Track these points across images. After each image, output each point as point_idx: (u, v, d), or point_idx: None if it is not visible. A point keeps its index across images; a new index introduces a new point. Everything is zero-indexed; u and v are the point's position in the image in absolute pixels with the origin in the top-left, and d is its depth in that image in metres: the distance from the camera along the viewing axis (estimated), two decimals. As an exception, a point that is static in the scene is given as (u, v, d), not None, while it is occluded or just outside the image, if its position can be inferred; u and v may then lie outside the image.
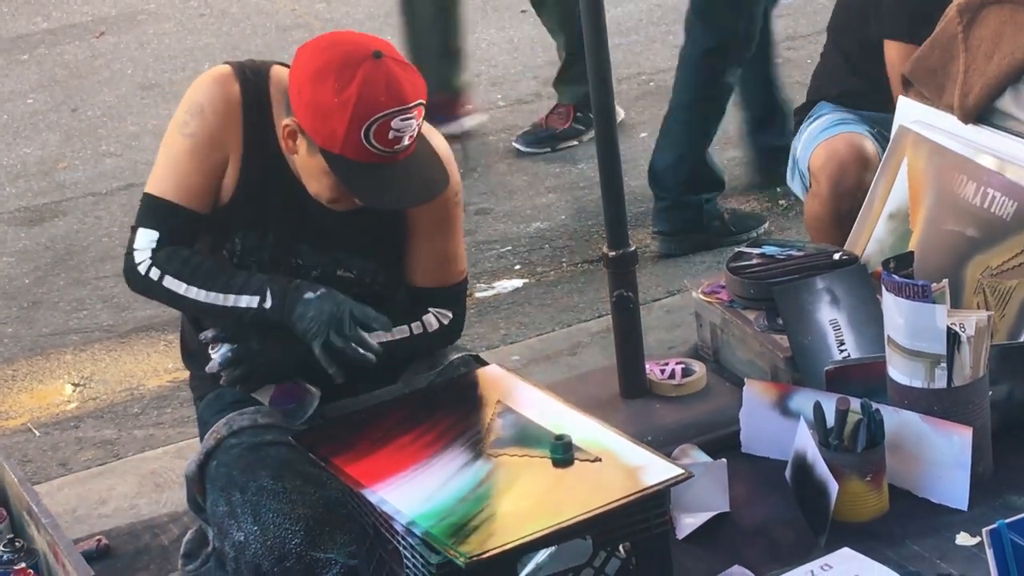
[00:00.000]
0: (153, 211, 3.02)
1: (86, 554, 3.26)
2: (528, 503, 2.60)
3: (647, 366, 3.60)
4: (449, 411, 2.91)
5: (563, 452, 2.67)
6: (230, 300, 2.97)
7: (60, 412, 4.54)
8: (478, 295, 5.04)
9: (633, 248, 3.50)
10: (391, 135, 2.85)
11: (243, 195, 3.04)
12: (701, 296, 3.73)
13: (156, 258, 2.99)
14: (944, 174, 3.64)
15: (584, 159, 5.99)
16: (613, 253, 3.49)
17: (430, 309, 3.15)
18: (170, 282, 2.99)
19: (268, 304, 2.95)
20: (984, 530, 2.37)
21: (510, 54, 7.38)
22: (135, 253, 3.01)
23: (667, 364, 3.62)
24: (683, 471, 2.62)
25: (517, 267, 5.23)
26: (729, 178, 5.77)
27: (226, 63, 3.07)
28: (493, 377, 3.03)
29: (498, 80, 7.07)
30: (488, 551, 2.47)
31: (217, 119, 3.00)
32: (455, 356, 3.20)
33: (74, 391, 4.67)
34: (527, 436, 2.77)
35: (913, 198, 3.72)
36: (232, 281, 2.98)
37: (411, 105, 2.86)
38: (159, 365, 4.73)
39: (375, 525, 2.73)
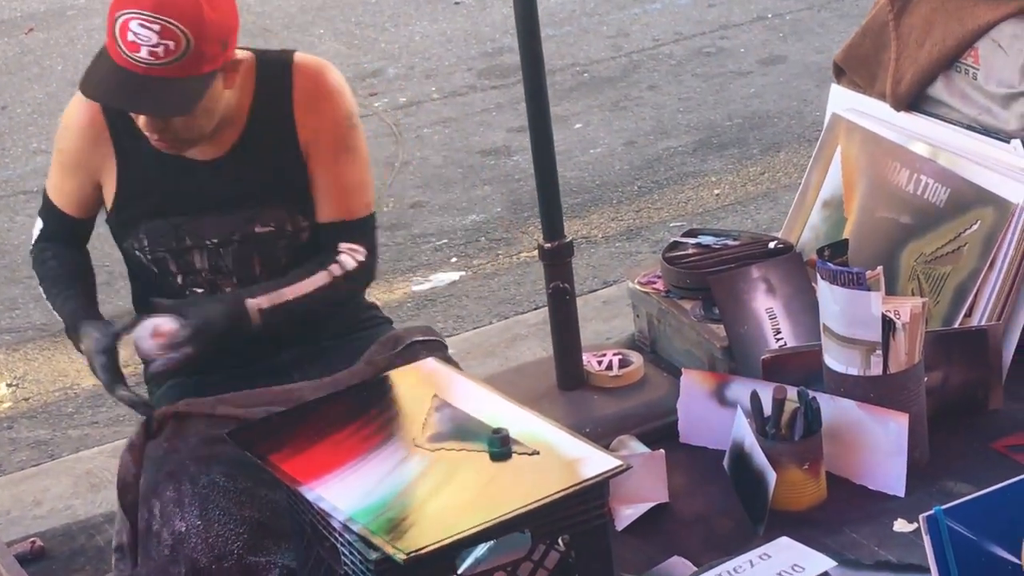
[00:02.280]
0: (44, 204, 3.25)
1: (20, 557, 3.22)
2: (466, 497, 2.59)
3: (584, 357, 3.59)
4: (385, 406, 2.90)
5: (500, 445, 2.66)
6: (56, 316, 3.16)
7: (-7, 413, 4.50)
8: (414, 288, 5.03)
9: (569, 239, 3.49)
10: (129, 36, 2.87)
11: (126, 192, 3.12)
12: (637, 286, 3.72)
13: (34, 252, 3.24)
14: (877, 161, 3.66)
15: (519, 151, 5.99)
16: (548, 245, 3.48)
17: (340, 247, 3.12)
18: (39, 281, 3.22)
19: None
20: (921, 516, 2.37)
21: (443, 46, 7.37)
22: (33, 239, 3.26)
23: (604, 355, 3.62)
24: (621, 463, 2.61)
25: (453, 260, 5.22)
26: (665, 167, 5.80)
27: None
28: (428, 371, 3.01)
29: (432, 72, 7.06)
30: (426, 547, 2.46)
31: (80, 139, 3.13)
32: (419, 338, 3.18)
33: (7, 391, 4.62)
34: (464, 430, 2.75)
35: (847, 186, 3.73)
36: (57, 302, 3.15)
37: (150, 14, 2.86)
38: (93, 364, 4.69)
39: (312, 523, 2.71)
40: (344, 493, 2.61)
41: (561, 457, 2.64)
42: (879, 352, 3.04)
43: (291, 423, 2.86)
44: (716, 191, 5.53)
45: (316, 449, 2.74)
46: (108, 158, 3.12)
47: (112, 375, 2.99)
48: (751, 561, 2.81)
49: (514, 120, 6.32)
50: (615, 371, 3.56)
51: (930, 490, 3.04)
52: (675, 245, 3.74)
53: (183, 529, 2.90)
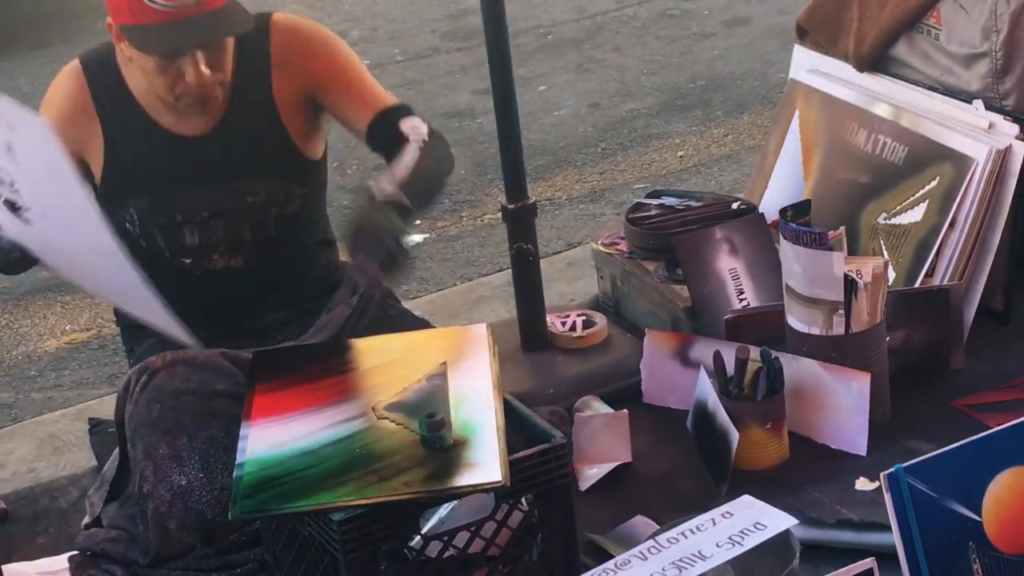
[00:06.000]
0: None
1: (-17, 520, 3.22)
2: (359, 471, 2.52)
3: (548, 318, 3.60)
4: (391, 361, 2.84)
5: (428, 430, 2.59)
6: None
7: (-45, 377, 4.48)
8: (378, 251, 5.01)
9: (532, 200, 3.50)
10: None
11: (113, 168, 3.09)
12: (601, 247, 3.73)
13: None
14: (835, 124, 3.67)
15: (483, 113, 5.98)
16: (512, 206, 3.49)
17: (401, 125, 3.11)
18: None
19: None
20: (882, 474, 2.39)
21: (407, 8, 7.35)
22: None
23: (568, 316, 3.62)
24: (499, 480, 2.47)
25: (417, 222, 5.21)
26: (629, 130, 5.79)
27: (81, 56, 3.13)
28: (467, 337, 2.92)
29: (395, 35, 7.03)
30: (258, 512, 2.48)
31: (61, 112, 3.07)
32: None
33: (-31, 355, 4.60)
34: (425, 405, 2.70)
35: (805, 149, 3.74)
36: None
37: None
38: (56, 327, 4.68)
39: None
40: (267, 438, 2.60)
41: (458, 460, 2.54)
42: (841, 312, 3.05)
43: (307, 356, 2.86)
44: (680, 153, 5.53)
45: (300, 388, 2.73)
46: (94, 135, 3.10)
47: None
48: (713, 520, 2.81)
49: (478, 82, 6.30)
50: (579, 332, 3.57)
51: (892, 449, 3.06)
52: (639, 206, 3.74)
53: (184, 483, 2.89)
